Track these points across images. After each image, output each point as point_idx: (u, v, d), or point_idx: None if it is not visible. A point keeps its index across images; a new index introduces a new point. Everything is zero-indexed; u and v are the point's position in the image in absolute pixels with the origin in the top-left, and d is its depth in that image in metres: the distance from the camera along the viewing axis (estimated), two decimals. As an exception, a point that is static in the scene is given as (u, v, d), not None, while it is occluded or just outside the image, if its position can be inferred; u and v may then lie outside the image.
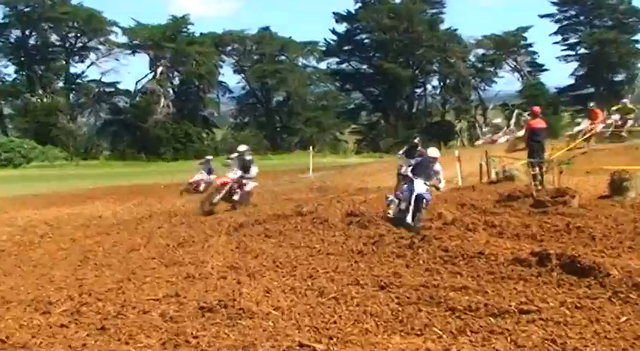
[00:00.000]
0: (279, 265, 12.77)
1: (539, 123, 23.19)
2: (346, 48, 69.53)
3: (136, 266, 14.11)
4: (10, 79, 65.26)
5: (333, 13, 68.96)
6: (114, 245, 16.53)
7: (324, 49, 69.61)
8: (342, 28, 69.32)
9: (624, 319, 8.39)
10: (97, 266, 14.43)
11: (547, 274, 10.38)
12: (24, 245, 17.24)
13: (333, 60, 70.30)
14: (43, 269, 14.44)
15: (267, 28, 68.11)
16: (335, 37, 69.33)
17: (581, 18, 68.20)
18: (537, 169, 21.25)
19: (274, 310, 9.37)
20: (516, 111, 48.40)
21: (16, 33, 65.03)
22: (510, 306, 9.02)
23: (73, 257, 15.73)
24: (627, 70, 66.37)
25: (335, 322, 8.61)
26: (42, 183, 36.48)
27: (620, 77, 66.83)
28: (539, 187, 19.61)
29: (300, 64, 69.95)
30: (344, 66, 70.22)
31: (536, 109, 24.99)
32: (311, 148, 40.62)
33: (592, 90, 66.38)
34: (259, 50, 67.84)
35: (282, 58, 68.55)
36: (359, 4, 68.30)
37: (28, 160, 53.24)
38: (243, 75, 68.50)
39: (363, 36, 69.46)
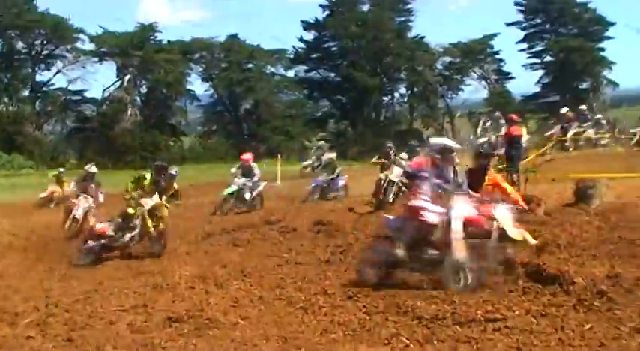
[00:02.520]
0: (247, 274, 12.81)
1: (517, 130, 23.44)
2: (314, 56, 69.41)
3: (104, 276, 14.09)
4: (-25, 87, 64.63)
5: (301, 21, 68.82)
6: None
7: (292, 57, 69.47)
8: (310, 36, 69.35)
9: (588, 326, 8.50)
10: (64, 277, 14.38)
11: (513, 282, 10.49)
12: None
13: (301, 68, 70.06)
14: (9, 280, 14.35)
15: (235, 36, 67.98)
16: (303, 45, 69.28)
17: (547, 26, 68.55)
18: (515, 176, 21.40)
19: (242, 319, 9.41)
20: (483, 118, 48.66)
21: (-21, 40, 64.52)
22: (477, 314, 9.11)
23: (39, 267, 15.64)
24: (592, 77, 66.80)
25: (303, 332, 8.66)
26: (7, 192, 36.20)
27: (585, 85, 67.23)
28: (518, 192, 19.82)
29: (268, 72, 69.68)
30: (312, 74, 70.01)
31: (514, 116, 25.24)
32: (279, 156, 40.62)
33: (557, 97, 66.86)
34: (227, 58, 67.54)
35: (251, 65, 68.30)
36: (327, 13, 68.31)
37: (-7, 170, 52.72)
38: (211, 83, 68.17)
39: (331, 44, 69.37)
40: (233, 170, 25.32)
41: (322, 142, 30.17)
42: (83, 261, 15.80)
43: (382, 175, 22.12)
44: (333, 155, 31.13)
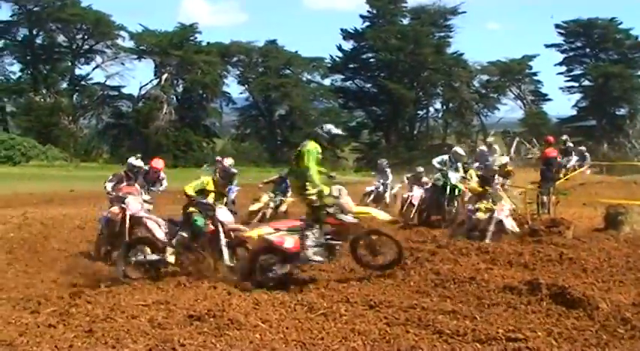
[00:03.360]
0: (270, 278, 12.76)
1: (553, 152, 23.38)
2: (351, 66, 69.56)
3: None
4: (15, 77, 65.33)
5: (341, 30, 69.22)
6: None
7: (329, 65, 69.67)
8: (348, 45, 69.54)
9: (610, 352, 8.43)
10: (89, 268, 14.45)
11: (536, 303, 10.40)
12: (18, 243, 17.23)
13: (338, 77, 70.36)
14: (35, 268, 14.46)
15: (274, 41, 68.45)
16: (341, 55, 69.46)
17: (587, 50, 68.40)
18: (545, 197, 21.31)
19: (262, 322, 9.38)
20: (517, 139, 48.45)
21: (23, 31, 65.17)
22: (498, 333, 9.03)
23: (66, 258, 15.74)
24: (630, 104, 66.50)
25: (322, 339, 8.62)
26: (40, 182, 36.46)
27: (622, 111, 66.99)
28: (546, 214, 19.76)
29: (304, 79, 70.08)
30: (348, 84, 70.25)
31: (551, 138, 25.39)
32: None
33: (594, 122, 66.57)
34: (265, 63, 67.94)
35: (287, 72, 68.62)
36: (367, 24, 68.53)
37: (27, 159, 53.24)
38: (247, 86, 68.58)
39: (369, 55, 69.55)
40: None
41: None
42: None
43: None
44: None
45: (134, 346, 8.42)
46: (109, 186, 17.21)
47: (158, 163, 20.63)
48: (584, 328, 9.34)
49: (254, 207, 22.16)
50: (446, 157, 20.94)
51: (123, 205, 15.71)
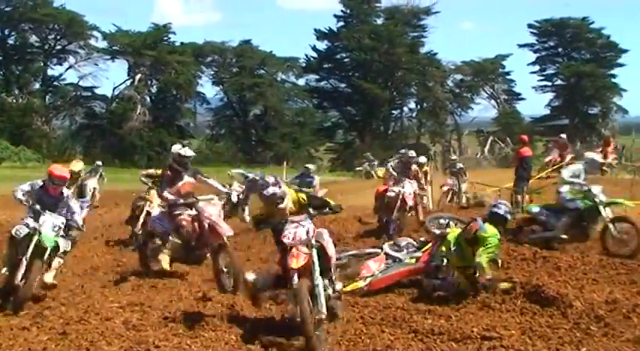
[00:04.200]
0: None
1: (528, 151, 23.41)
2: (326, 66, 69.50)
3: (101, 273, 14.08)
4: (-14, 78, 64.86)
5: (315, 30, 69.11)
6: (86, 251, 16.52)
7: (303, 65, 69.62)
8: (322, 45, 69.45)
9: (584, 350, 8.49)
10: (63, 271, 14.33)
11: (511, 302, 10.46)
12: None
13: (312, 77, 70.22)
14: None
15: (248, 41, 68.21)
16: (315, 54, 69.38)
17: (559, 50, 68.78)
18: (519, 196, 21.26)
19: (237, 324, 9.37)
20: (490, 138, 48.74)
21: (-6, 32, 64.74)
22: (473, 331, 9.09)
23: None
24: (602, 103, 66.93)
25: (298, 339, 8.62)
26: (10, 184, 36.06)
27: (595, 110, 67.42)
28: (520, 213, 19.67)
29: (279, 79, 70.01)
30: (323, 84, 70.16)
31: (525, 137, 25.28)
32: (285, 163, 40.62)
33: (566, 121, 66.99)
34: (239, 63, 67.78)
35: (262, 72, 68.52)
36: (341, 24, 68.53)
37: (-1, 161, 52.86)
38: (221, 87, 68.37)
39: (344, 55, 69.52)
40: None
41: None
42: None
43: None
44: None
45: (108, 348, 8.41)
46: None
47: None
48: (558, 326, 9.41)
49: None
50: (580, 166, 15.98)
51: (191, 212, 12.79)
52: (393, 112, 70.38)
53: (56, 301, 11.15)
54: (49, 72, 67.01)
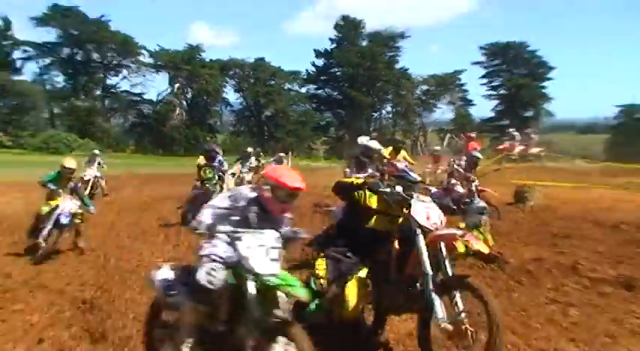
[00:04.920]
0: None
1: (474, 145, 23.44)
2: (322, 78, 69.30)
3: (149, 235, 13.92)
4: (60, 86, 64.61)
5: (314, 50, 69.21)
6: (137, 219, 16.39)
7: (305, 77, 69.55)
8: (320, 62, 69.33)
9: (516, 295, 8.63)
10: (120, 235, 14.12)
11: (461, 260, 10.56)
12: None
13: (312, 86, 70.06)
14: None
15: (262, 58, 68.15)
16: (314, 69, 69.26)
17: (503, 66, 68.50)
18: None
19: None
20: (448, 135, 48.75)
21: (66, 51, 64.29)
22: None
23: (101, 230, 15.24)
24: (535, 108, 67.11)
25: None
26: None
27: (529, 113, 67.47)
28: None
29: (286, 88, 69.87)
30: (320, 92, 69.99)
31: (472, 134, 25.30)
32: (290, 153, 40.64)
33: (508, 122, 66.95)
34: (255, 75, 67.59)
35: (272, 82, 68.33)
36: (334, 45, 68.44)
37: (71, 150, 52.76)
38: (241, 93, 68.31)
39: (336, 69, 69.23)
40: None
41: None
42: None
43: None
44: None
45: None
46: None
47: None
48: (497, 278, 9.53)
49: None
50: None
51: None
52: (374, 114, 70.46)
53: (114, 258, 11.20)
54: (108, 81, 66.92)
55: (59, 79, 65.38)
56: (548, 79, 67.69)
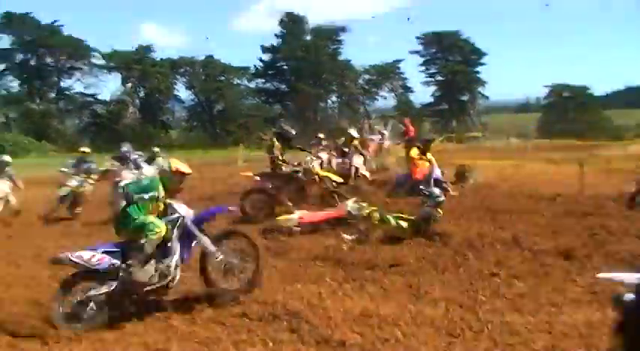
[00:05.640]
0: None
1: (411, 131, 23.75)
2: (270, 72, 68.87)
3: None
4: (15, 91, 63.26)
5: (261, 46, 68.72)
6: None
7: (253, 72, 69.00)
8: (267, 57, 68.80)
9: (462, 269, 8.53)
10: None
11: (410, 237, 10.42)
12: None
13: (260, 80, 69.55)
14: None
15: (211, 56, 67.36)
16: (262, 64, 68.82)
17: (439, 54, 69.02)
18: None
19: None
20: (391, 121, 48.65)
21: (19, 56, 62.79)
22: (381, 261, 9.06)
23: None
24: (470, 92, 68.01)
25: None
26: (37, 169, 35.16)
27: (465, 98, 68.30)
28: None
29: (235, 83, 69.28)
30: (268, 85, 69.59)
31: (408, 120, 25.72)
32: (241, 144, 40.32)
33: (446, 106, 67.81)
34: (205, 72, 66.83)
35: (222, 78, 67.59)
36: (280, 40, 68.04)
37: (27, 152, 51.69)
38: (192, 90, 67.45)
39: (283, 63, 68.78)
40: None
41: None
42: None
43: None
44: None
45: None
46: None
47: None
48: (443, 253, 9.47)
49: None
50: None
51: None
52: (321, 104, 70.37)
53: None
54: (62, 84, 65.51)
55: (13, 84, 63.98)
56: (481, 64, 68.55)
